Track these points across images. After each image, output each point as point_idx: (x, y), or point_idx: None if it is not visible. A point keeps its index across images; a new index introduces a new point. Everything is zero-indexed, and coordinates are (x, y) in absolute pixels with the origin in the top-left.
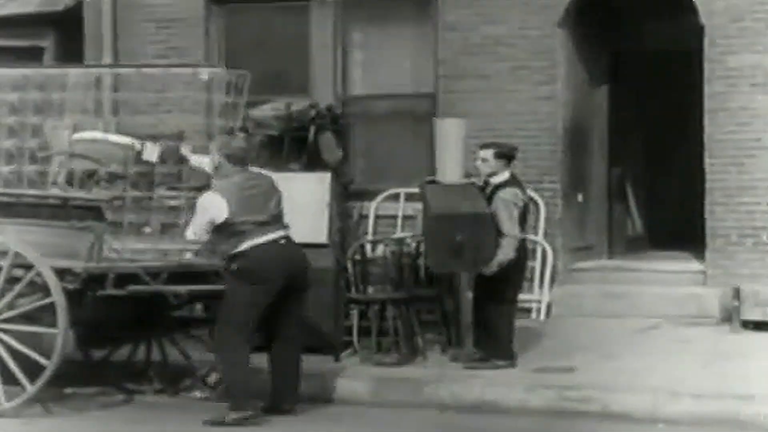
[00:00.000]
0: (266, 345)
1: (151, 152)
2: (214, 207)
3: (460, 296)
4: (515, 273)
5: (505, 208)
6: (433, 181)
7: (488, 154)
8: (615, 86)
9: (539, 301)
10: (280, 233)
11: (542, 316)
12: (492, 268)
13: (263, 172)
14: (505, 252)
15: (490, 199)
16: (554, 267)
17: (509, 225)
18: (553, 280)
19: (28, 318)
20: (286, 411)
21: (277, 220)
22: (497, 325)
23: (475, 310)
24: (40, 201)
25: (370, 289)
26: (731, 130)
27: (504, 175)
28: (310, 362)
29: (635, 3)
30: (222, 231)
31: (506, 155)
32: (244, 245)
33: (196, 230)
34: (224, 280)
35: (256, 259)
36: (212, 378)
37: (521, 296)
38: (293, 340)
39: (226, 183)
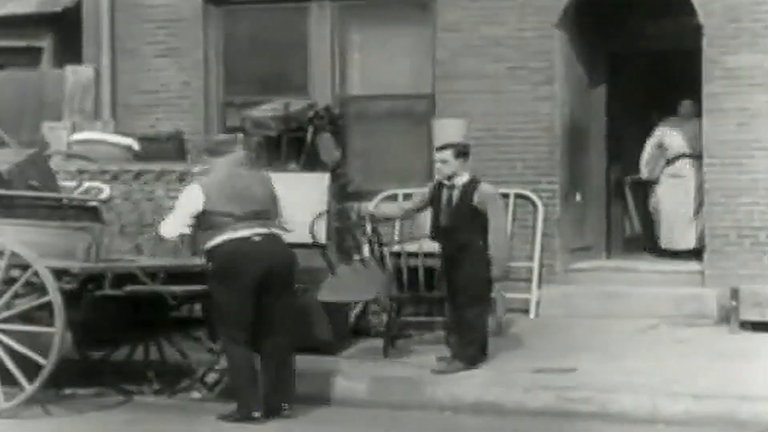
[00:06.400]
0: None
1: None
2: (191, 198)
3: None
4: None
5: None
6: None
7: (447, 154)
8: (613, 87)
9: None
10: (257, 230)
11: (532, 315)
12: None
13: (258, 171)
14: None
15: (449, 198)
16: (543, 266)
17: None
18: (541, 279)
19: (25, 318)
20: (281, 414)
21: (257, 216)
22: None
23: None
24: (37, 201)
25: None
26: (730, 131)
27: (466, 175)
28: (308, 362)
29: (633, 3)
30: (201, 225)
31: (464, 153)
32: (217, 240)
33: (171, 226)
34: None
35: (226, 255)
36: (210, 378)
37: (515, 295)
38: (281, 341)
39: (209, 176)
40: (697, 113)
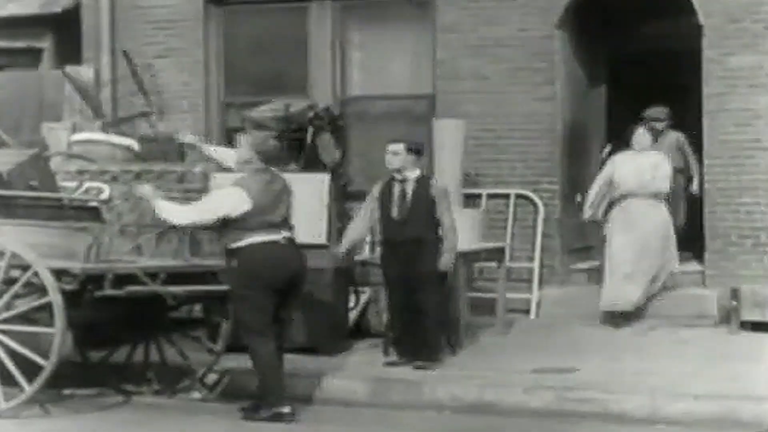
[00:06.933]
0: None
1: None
2: (234, 200)
3: (459, 300)
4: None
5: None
6: None
7: (399, 147)
8: (613, 87)
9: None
10: (283, 234)
11: (533, 315)
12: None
13: (278, 173)
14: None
15: (402, 192)
16: (543, 266)
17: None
18: (541, 279)
19: (26, 318)
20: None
21: (284, 222)
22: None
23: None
24: (38, 201)
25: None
26: (730, 131)
27: (417, 170)
28: (308, 362)
29: (633, 4)
30: (230, 225)
31: (416, 151)
32: (248, 240)
33: (197, 215)
34: (226, 277)
35: (258, 256)
36: (210, 378)
37: (515, 295)
38: (280, 341)
39: (251, 179)
40: (655, 139)
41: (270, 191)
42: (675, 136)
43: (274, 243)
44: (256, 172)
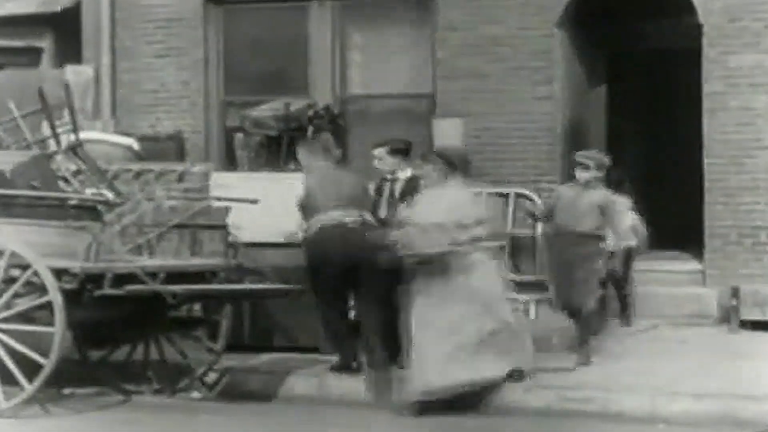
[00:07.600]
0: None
1: None
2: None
3: None
4: None
5: None
6: None
7: (381, 152)
8: (613, 86)
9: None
10: (347, 216)
11: (532, 315)
12: None
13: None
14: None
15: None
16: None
17: None
18: None
19: (26, 317)
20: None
21: (349, 204)
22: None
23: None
24: (38, 201)
25: None
26: (730, 130)
27: (409, 170)
28: (308, 362)
29: (633, 3)
30: (306, 209)
31: (400, 151)
32: (312, 221)
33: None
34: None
35: (313, 237)
36: (210, 377)
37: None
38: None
39: (313, 172)
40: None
41: (328, 178)
42: (598, 200)
43: (333, 223)
44: (319, 167)
